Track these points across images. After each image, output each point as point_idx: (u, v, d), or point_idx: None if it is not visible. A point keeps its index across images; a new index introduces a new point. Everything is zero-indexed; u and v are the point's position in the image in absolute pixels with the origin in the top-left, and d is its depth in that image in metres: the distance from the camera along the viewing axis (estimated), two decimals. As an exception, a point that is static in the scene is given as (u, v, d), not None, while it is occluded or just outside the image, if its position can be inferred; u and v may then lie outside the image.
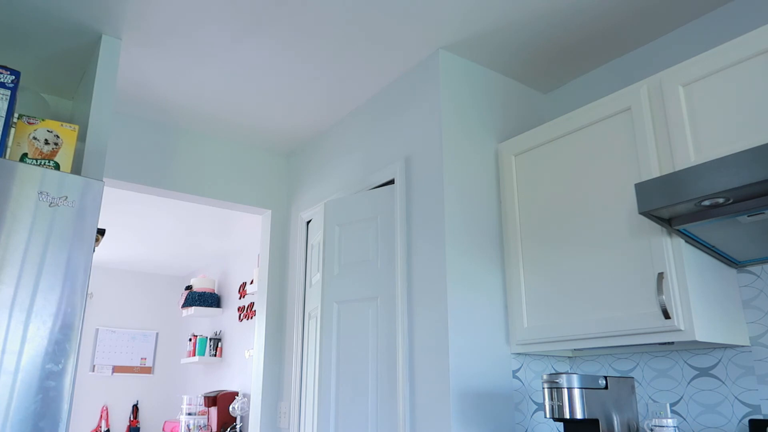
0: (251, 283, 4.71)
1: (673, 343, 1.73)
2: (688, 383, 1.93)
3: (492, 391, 2.06)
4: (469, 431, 1.96)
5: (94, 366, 5.86)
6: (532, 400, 2.17)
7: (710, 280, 1.75)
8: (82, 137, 2.14)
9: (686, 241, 1.70)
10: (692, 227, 1.58)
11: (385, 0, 2.05)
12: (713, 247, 1.72)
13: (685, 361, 1.95)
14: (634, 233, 1.79)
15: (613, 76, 2.40)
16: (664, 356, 2.01)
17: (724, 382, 1.84)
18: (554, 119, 2.13)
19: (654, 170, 1.76)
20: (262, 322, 3.10)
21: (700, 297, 1.67)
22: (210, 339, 5.27)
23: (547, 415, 1.77)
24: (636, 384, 2.07)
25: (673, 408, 1.95)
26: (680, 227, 1.59)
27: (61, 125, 1.85)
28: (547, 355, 2.26)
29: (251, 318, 4.92)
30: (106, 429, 5.72)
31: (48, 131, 1.82)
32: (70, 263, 1.58)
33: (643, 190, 1.56)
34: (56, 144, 1.82)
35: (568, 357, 2.34)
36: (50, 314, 1.53)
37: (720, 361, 1.86)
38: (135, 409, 5.93)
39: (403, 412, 2.08)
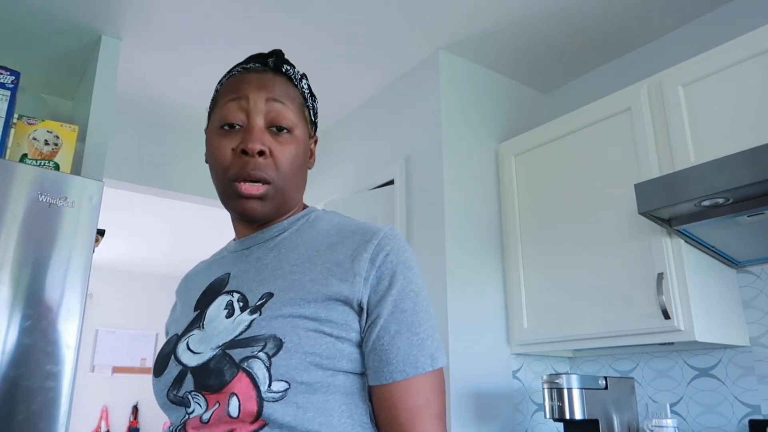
0: (251, 283, 4.71)
1: (673, 343, 1.73)
2: (688, 383, 1.93)
3: (492, 391, 2.06)
4: (469, 431, 1.96)
5: (93, 366, 5.85)
6: (532, 401, 2.17)
7: (710, 280, 1.75)
8: (81, 138, 2.14)
9: (686, 242, 1.70)
10: (692, 227, 1.58)
11: (384, 1, 2.05)
12: (713, 247, 1.72)
13: (685, 362, 1.95)
14: (634, 233, 1.79)
15: (613, 76, 2.40)
16: (664, 356, 2.01)
17: (724, 383, 1.84)
18: (554, 119, 2.13)
19: (654, 170, 1.76)
20: (262, 323, 3.09)
21: (699, 297, 1.67)
22: (210, 339, 5.27)
23: (547, 416, 1.77)
24: (636, 384, 2.07)
25: (673, 408, 1.95)
26: (680, 227, 1.59)
27: (61, 126, 1.85)
28: (547, 356, 2.26)
29: (251, 318, 4.91)
30: (105, 430, 5.72)
31: (48, 132, 1.82)
32: (69, 264, 1.58)
33: (642, 190, 1.56)
34: (56, 144, 1.82)
35: (568, 357, 2.34)
36: (50, 315, 1.53)
37: (720, 361, 1.86)
38: (135, 409, 5.93)
39: (403, 413, 2.08)
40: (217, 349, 0.68)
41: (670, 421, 1.74)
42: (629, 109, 1.87)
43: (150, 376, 6.12)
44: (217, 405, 0.66)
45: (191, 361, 0.70)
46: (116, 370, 5.95)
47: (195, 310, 0.79)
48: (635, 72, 2.32)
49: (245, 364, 0.65)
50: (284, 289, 0.71)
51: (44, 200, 1.58)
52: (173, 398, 0.71)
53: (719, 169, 1.41)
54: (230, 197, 0.77)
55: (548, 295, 2.01)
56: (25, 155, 1.77)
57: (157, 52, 2.38)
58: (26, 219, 1.54)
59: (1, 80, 1.74)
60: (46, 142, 1.81)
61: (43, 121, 1.83)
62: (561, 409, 1.74)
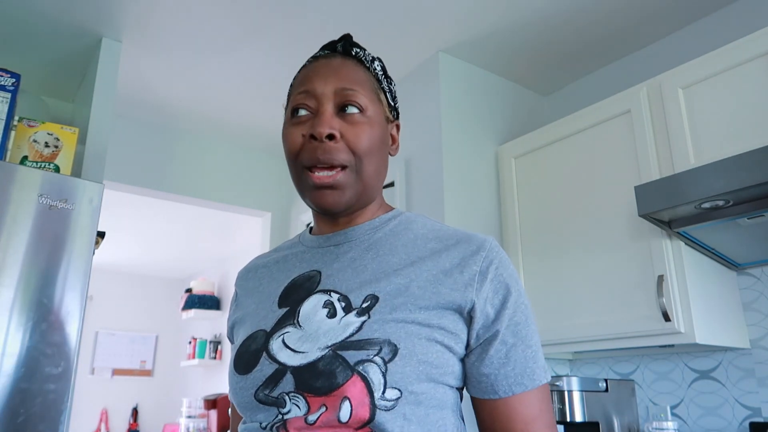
0: (251, 285, 4.70)
1: (673, 345, 1.73)
2: (689, 386, 1.92)
3: (492, 393, 2.05)
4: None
5: (93, 369, 5.85)
6: (533, 403, 2.16)
7: (710, 282, 1.75)
8: (82, 140, 2.14)
9: (686, 244, 1.70)
10: (692, 230, 1.58)
11: (384, 3, 2.05)
12: (713, 249, 1.72)
13: (686, 364, 1.95)
14: (634, 236, 1.79)
15: (613, 78, 2.41)
16: (664, 359, 2.01)
17: (724, 385, 1.84)
18: (554, 122, 2.14)
19: (654, 173, 1.76)
20: (262, 325, 3.09)
21: (700, 299, 1.67)
22: (210, 342, 5.27)
23: (548, 418, 1.77)
24: (636, 386, 2.07)
25: (674, 411, 1.95)
26: (680, 230, 1.59)
27: (62, 128, 1.85)
28: (548, 358, 2.26)
29: (251, 321, 4.91)
30: None
31: (48, 134, 1.82)
32: (69, 266, 1.58)
33: (642, 192, 1.56)
34: (56, 146, 1.82)
35: (569, 360, 2.33)
36: (50, 317, 1.53)
37: (720, 363, 1.86)
38: (135, 412, 5.92)
39: (403, 415, 2.08)
40: (327, 350, 0.65)
41: (670, 424, 1.73)
42: (629, 112, 1.87)
43: (149, 379, 6.12)
44: (324, 408, 0.63)
45: (291, 360, 0.67)
46: (116, 372, 5.94)
47: (280, 306, 0.75)
48: (635, 74, 2.32)
49: (360, 367, 0.63)
50: (391, 293, 0.69)
51: (44, 202, 1.58)
52: (263, 398, 0.67)
53: (719, 171, 1.42)
54: (304, 188, 0.74)
55: (548, 297, 2.01)
56: (25, 157, 1.77)
57: (157, 55, 2.38)
58: (26, 221, 1.54)
59: (2, 82, 1.74)
60: (47, 144, 1.81)
61: (43, 123, 1.83)
62: (561, 411, 1.74)
